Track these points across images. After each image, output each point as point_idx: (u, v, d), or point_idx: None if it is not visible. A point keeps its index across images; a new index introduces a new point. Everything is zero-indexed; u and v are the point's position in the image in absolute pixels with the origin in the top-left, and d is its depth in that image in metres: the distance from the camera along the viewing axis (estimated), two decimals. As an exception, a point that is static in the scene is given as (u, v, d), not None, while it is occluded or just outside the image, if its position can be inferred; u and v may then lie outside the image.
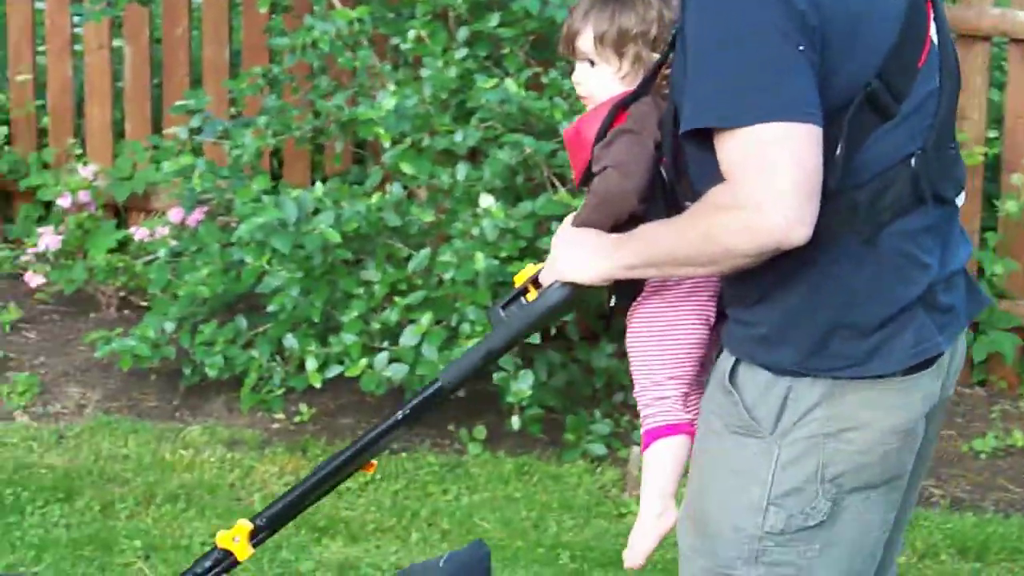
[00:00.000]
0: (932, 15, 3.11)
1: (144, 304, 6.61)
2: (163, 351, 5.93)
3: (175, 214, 6.45)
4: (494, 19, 5.65)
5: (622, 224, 3.17)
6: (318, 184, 5.70)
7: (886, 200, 3.00)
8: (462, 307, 5.45)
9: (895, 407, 3.07)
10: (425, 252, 5.51)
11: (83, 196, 6.81)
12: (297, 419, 5.94)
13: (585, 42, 3.33)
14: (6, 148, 7.20)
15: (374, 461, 3.64)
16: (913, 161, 3.02)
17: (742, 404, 3.08)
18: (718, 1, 2.91)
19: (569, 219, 3.26)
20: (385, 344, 5.54)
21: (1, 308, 6.71)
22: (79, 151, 7.16)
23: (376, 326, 5.54)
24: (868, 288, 3.01)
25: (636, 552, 3.36)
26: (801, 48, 2.85)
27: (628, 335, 3.37)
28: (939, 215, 3.10)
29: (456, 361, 3.53)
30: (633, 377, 3.38)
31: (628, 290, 3.26)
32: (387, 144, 5.57)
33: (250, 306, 6.07)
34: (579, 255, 3.17)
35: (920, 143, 3.03)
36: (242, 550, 3.53)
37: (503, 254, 5.41)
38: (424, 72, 5.57)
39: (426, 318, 5.43)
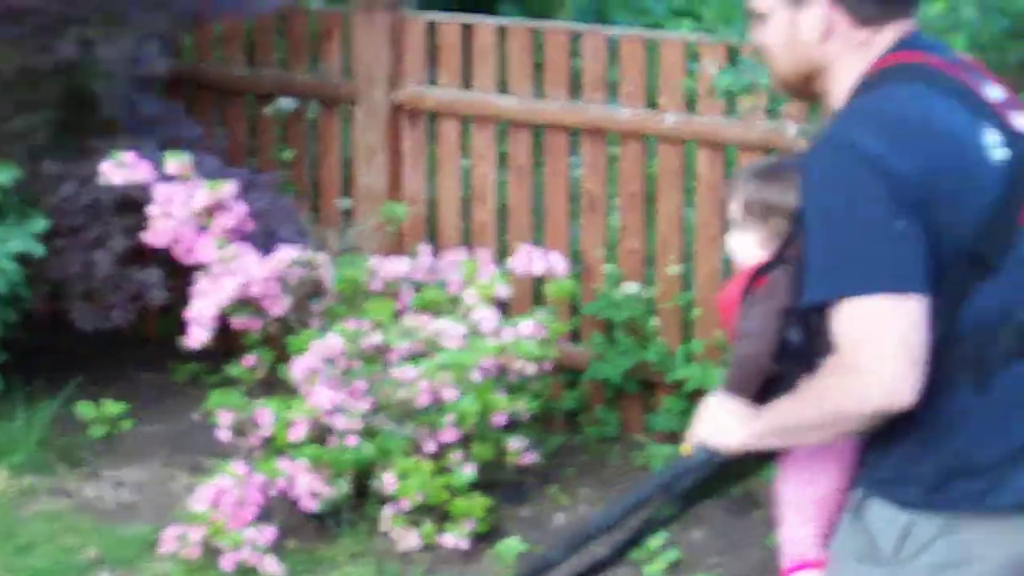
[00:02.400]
0: None
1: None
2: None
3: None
4: None
5: (765, 391, 3.59)
6: None
7: (994, 350, 3.37)
8: None
9: (1010, 541, 3.41)
10: None
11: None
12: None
13: (735, 208, 4.00)
14: (655, 339, 7.41)
15: None
16: (1019, 312, 3.38)
17: (867, 533, 3.47)
18: (824, 179, 3.36)
19: (718, 389, 3.69)
20: None
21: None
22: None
23: None
24: (981, 431, 3.38)
25: None
26: (902, 225, 3.26)
27: (779, 480, 3.95)
28: None
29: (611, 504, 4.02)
30: (781, 517, 3.95)
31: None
32: None
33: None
34: (720, 422, 3.59)
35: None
36: None
37: None
38: None
39: None
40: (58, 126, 7.45)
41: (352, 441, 6.51)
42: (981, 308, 3.37)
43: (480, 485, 6.61)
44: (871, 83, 3.50)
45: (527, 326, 6.83)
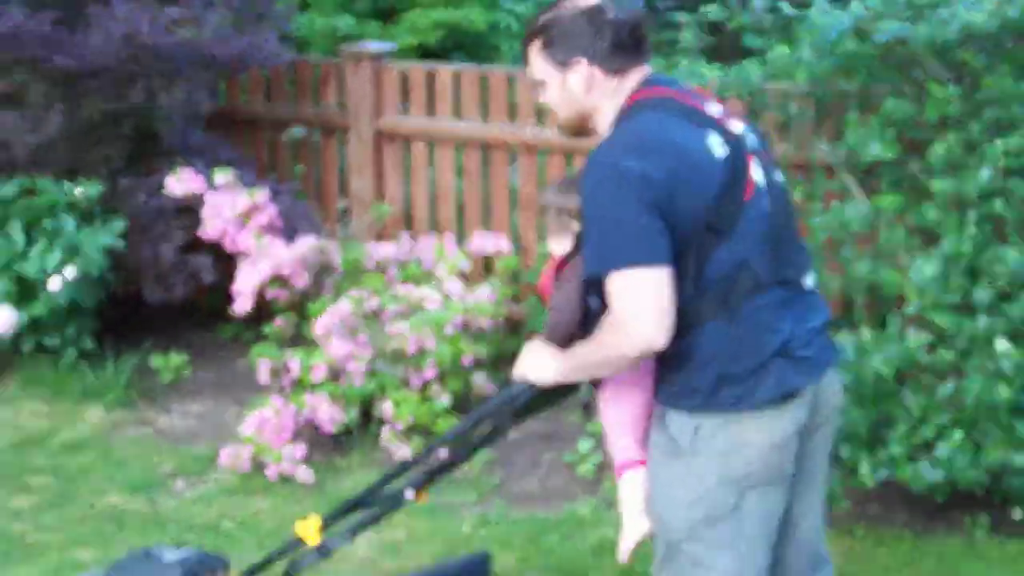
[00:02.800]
0: (756, 163, 3.70)
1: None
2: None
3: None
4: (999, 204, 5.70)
5: (569, 341, 3.79)
6: (863, 330, 5.89)
7: (736, 290, 3.59)
8: (986, 427, 5.58)
9: (769, 429, 3.64)
10: (950, 386, 5.62)
11: None
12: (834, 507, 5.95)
13: (549, 216, 4.03)
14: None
15: (425, 494, 4.18)
16: (751, 262, 3.61)
17: (669, 435, 3.72)
18: (592, 189, 3.60)
19: (537, 339, 3.89)
20: (920, 455, 5.65)
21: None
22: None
23: (915, 441, 5.66)
24: (737, 350, 3.61)
25: (622, 551, 3.96)
26: (644, 221, 3.50)
27: (600, 405, 3.99)
28: (785, 294, 3.69)
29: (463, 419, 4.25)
30: (605, 433, 3.99)
31: (553, 396, 3.94)
32: (913, 299, 5.72)
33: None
34: (536, 363, 3.82)
35: (754, 250, 3.62)
36: (311, 537, 4.17)
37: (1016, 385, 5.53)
38: (944, 245, 5.68)
39: (957, 434, 5.57)
40: (131, 153, 7.63)
41: (359, 380, 6.72)
42: (722, 263, 3.60)
43: (454, 409, 6.79)
44: (624, 115, 3.73)
45: (483, 292, 7.07)
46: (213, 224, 7.04)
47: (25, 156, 7.41)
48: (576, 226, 3.89)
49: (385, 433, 6.73)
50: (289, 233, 7.23)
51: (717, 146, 3.64)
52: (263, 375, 6.92)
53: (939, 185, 5.82)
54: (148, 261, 7.49)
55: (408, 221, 7.92)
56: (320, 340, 6.78)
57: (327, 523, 4.20)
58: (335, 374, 6.77)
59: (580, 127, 3.84)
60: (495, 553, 5.28)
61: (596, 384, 3.95)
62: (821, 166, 6.59)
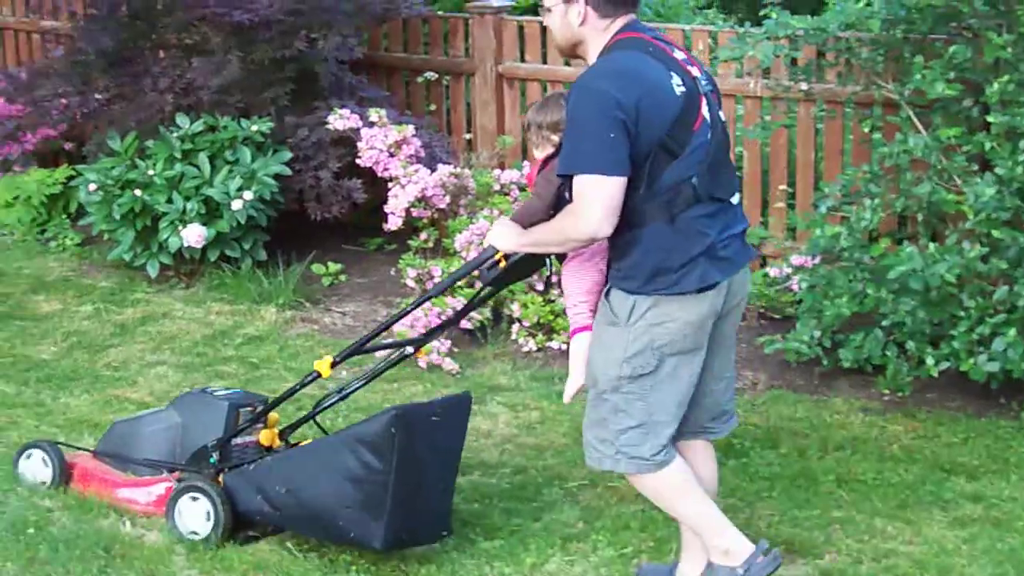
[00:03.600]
0: (705, 102, 3.93)
1: (776, 318, 6.75)
2: (814, 349, 6.06)
3: (800, 260, 6.51)
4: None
5: (537, 222, 4.10)
6: (925, 244, 5.85)
7: (678, 201, 3.85)
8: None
9: (690, 310, 3.91)
10: (1004, 289, 5.61)
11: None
12: (900, 394, 5.97)
13: (529, 128, 4.33)
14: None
15: (424, 348, 4.84)
16: (693, 179, 3.85)
17: (611, 309, 3.99)
18: (576, 105, 3.84)
19: (507, 216, 4.33)
20: (980, 349, 5.62)
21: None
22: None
23: (974, 337, 5.63)
24: (672, 247, 3.87)
25: (567, 393, 4.31)
26: (613, 135, 3.75)
27: (562, 279, 4.30)
28: (716, 207, 3.93)
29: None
30: (564, 300, 4.30)
31: (525, 268, 4.31)
32: (971, 216, 5.66)
33: (869, 322, 6.07)
34: (502, 234, 4.16)
35: (696, 170, 3.86)
36: (326, 371, 4.62)
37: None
38: (998, 170, 5.62)
39: (1011, 332, 5.53)
40: (294, 93, 7.61)
41: (490, 284, 6.71)
42: (671, 176, 3.86)
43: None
44: (608, 50, 3.98)
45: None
46: (368, 154, 7.04)
47: (208, 98, 7.44)
48: (555, 137, 4.19)
49: (514, 329, 6.72)
50: (428, 162, 7.23)
51: (677, 84, 3.87)
52: (410, 280, 6.91)
53: (995, 119, 5.75)
54: (310, 185, 7.50)
55: (523, 151, 7.86)
56: (461, 250, 6.77)
57: (336, 362, 4.64)
58: (471, 280, 6.76)
59: (571, 52, 4.08)
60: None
61: (561, 261, 4.28)
62: (883, 103, 6.51)
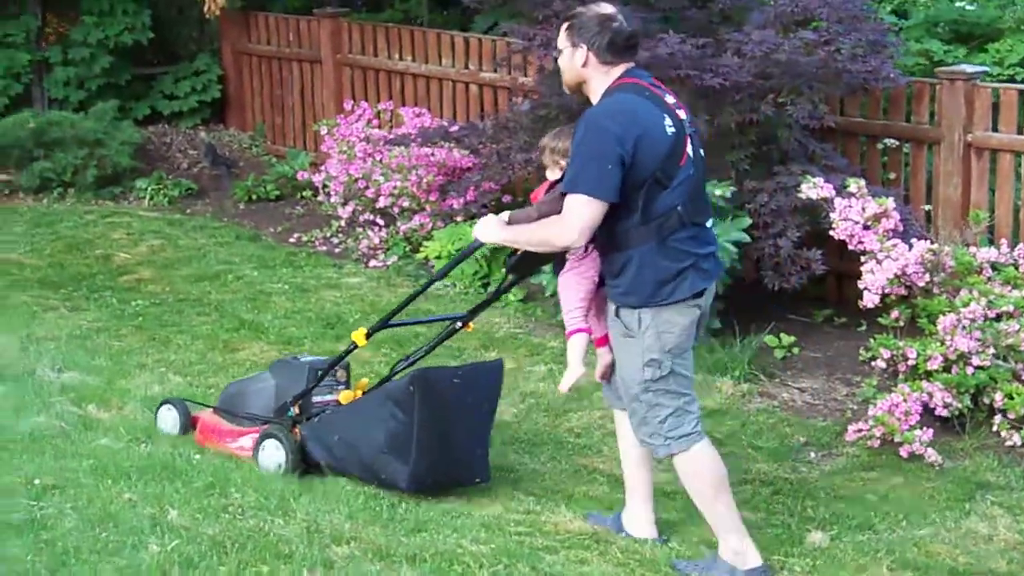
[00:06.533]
0: (690, 142, 4.63)
1: None
2: None
3: None
4: None
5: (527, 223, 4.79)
6: None
7: (667, 225, 4.53)
8: None
9: (685, 315, 4.63)
10: None
11: None
12: None
13: (545, 153, 5.05)
14: None
15: (471, 324, 5.40)
16: (679, 208, 4.54)
17: (623, 324, 4.67)
18: (581, 138, 4.52)
19: (504, 215, 4.87)
20: None
21: None
22: None
23: None
24: (665, 264, 4.57)
25: (565, 384, 5.03)
26: (610, 167, 4.45)
27: (558, 288, 5.00)
28: (696, 231, 4.62)
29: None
30: (561, 306, 4.98)
31: (536, 260, 5.00)
32: None
33: None
34: (490, 228, 4.80)
35: (682, 200, 4.55)
36: (361, 341, 5.34)
37: None
38: None
39: None
40: (753, 157, 7.40)
41: (970, 370, 6.31)
42: (661, 205, 4.54)
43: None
44: (609, 92, 4.64)
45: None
46: (842, 226, 6.70)
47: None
48: (563, 162, 4.82)
49: (997, 420, 6.27)
50: (902, 236, 6.85)
51: (668, 125, 4.55)
52: (881, 361, 6.55)
53: None
54: (768, 253, 7.24)
55: (992, 228, 7.37)
56: (943, 333, 6.36)
57: (370, 333, 5.35)
58: (947, 364, 6.35)
59: (576, 89, 4.71)
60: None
61: (556, 274, 4.97)
62: None
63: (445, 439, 5.21)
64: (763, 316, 7.53)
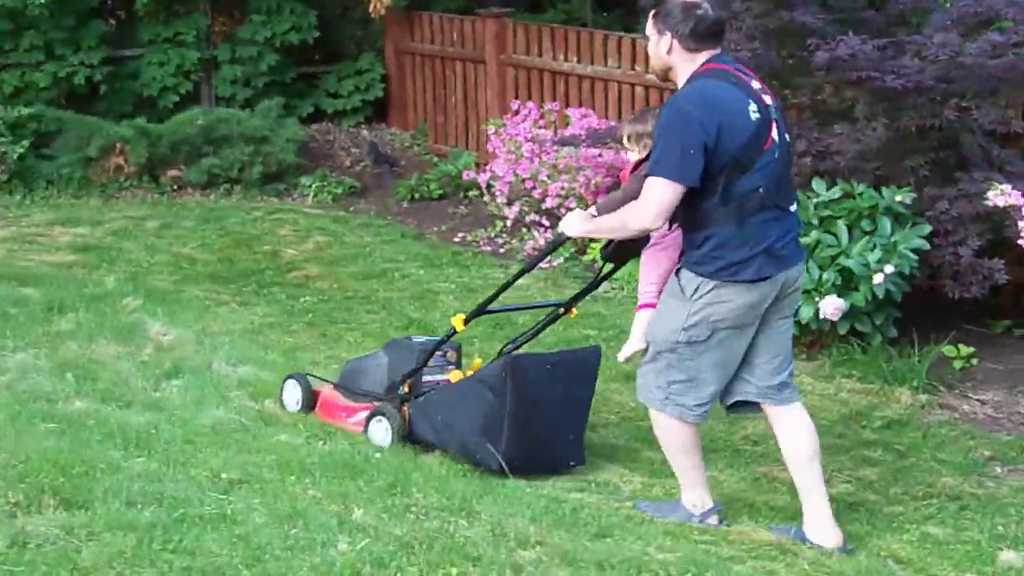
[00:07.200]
0: (775, 126, 4.69)
1: None
2: None
3: None
4: None
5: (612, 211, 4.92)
6: None
7: (747, 206, 4.61)
8: None
9: (744, 295, 4.69)
10: None
11: None
12: None
13: (625, 136, 5.24)
14: None
15: (574, 309, 5.55)
16: (761, 190, 4.62)
17: (679, 284, 4.78)
18: (666, 121, 4.62)
19: (592, 209, 5.16)
20: None
21: None
22: None
23: None
24: (738, 246, 4.65)
25: (622, 355, 5.27)
26: (693, 151, 4.53)
27: (640, 261, 5.17)
28: (778, 213, 4.70)
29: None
30: (639, 280, 5.20)
31: (630, 247, 5.12)
32: None
33: None
34: (573, 221, 4.99)
35: (764, 182, 4.62)
36: (459, 326, 5.59)
37: None
38: None
39: None
40: (933, 163, 7.21)
41: None
42: (742, 187, 4.61)
43: None
44: (694, 78, 4.70)
45: None
46: (1032, 235, 6.51)
47: (846, 164, 7.15)
48: (645, 142, 5.00)
49: None
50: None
51: (753, 110, 4.60)
52: (1069, 375, 6.33)
53: None
54: (948, 261, 7.06)
55: None
56: None
57: (468, 319, 5.56)
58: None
59: (664, 76, 4.79)
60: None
61: (642, 248, 5.10)
62: None
63: (537, 423, 5.37)
64: (939, 326, 7.34)
